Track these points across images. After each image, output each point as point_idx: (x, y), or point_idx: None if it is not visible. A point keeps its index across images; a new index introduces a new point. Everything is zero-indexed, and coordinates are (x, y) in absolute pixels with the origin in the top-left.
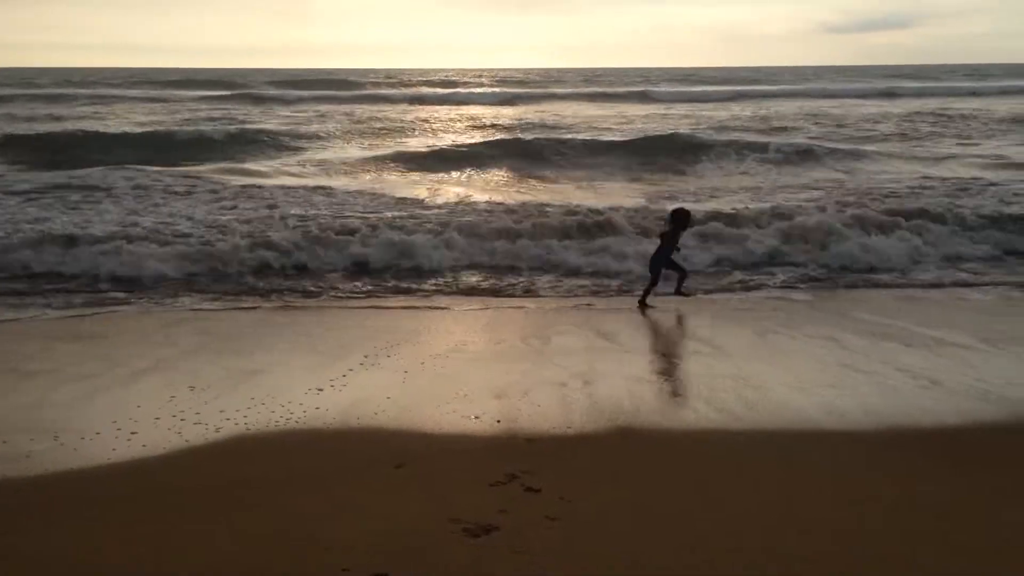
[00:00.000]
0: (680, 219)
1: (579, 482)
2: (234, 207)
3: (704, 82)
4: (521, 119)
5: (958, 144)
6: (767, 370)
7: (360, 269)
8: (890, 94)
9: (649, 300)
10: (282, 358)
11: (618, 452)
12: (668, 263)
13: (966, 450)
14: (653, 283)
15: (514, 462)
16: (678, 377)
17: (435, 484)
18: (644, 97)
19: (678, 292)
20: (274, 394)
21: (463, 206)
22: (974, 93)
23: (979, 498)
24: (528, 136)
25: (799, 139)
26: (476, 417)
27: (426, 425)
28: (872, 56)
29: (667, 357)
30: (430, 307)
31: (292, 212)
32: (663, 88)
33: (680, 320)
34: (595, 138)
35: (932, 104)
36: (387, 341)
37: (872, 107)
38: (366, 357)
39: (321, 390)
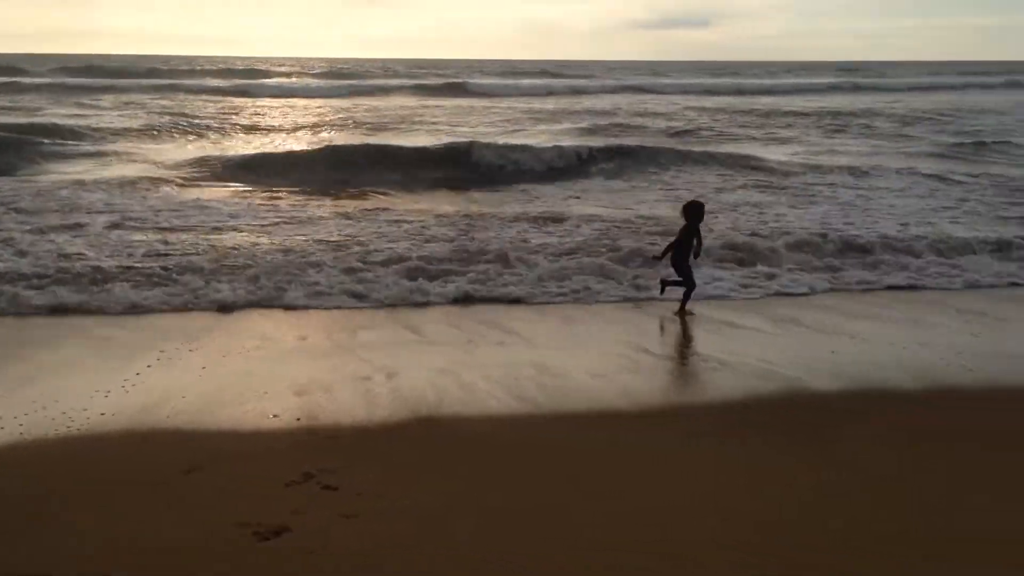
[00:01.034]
0: (695, 213)
1: (379, 477)
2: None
3: (525, 75)
4: (339, 117)
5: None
6: (568, 358)
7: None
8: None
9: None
10: (68, 360)
11: (420, 444)
12: (683, 266)
13: (751, 420)
14: (687, 284)
15: (313, 460)
16: (482, 368)
17: (226, 488)
18: (461, 90)
19: (682, 309)
20: (57, 398)
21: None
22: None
23: (761, 460)
24: (342, 140)
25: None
26: (275, 415)
27: (222, 426)
28: (675, 52)
29: (472, 349)
30: None
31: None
32: (488, 80)
33: (491, 314)
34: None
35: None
36: (184, 340)
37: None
38: (160, 357)
39: (109, 393)
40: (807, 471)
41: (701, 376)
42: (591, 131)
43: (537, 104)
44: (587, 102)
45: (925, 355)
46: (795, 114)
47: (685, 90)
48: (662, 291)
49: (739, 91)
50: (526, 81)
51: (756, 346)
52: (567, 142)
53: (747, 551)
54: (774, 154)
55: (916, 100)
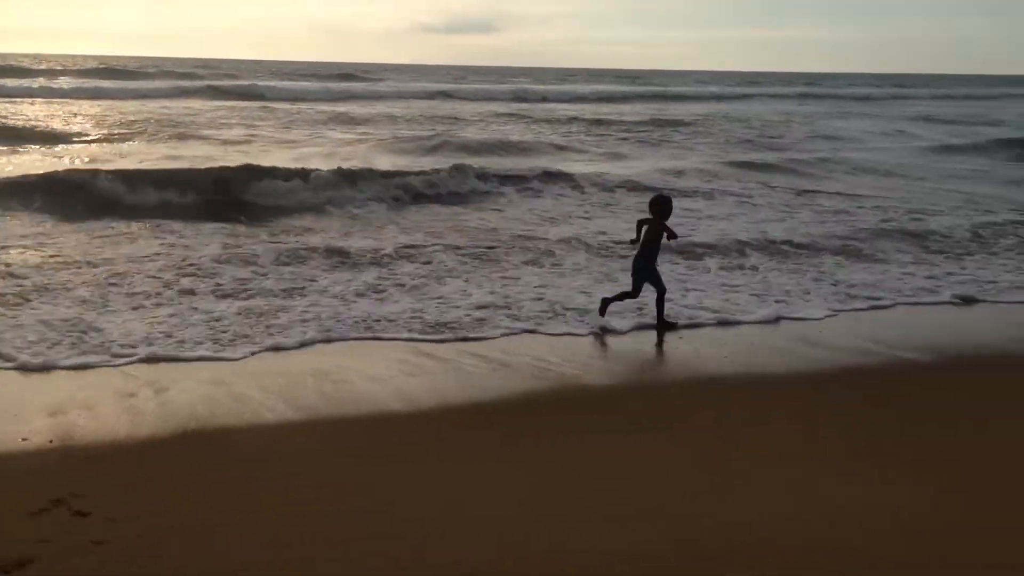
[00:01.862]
0: (663, 208)
1: (137, 499)
2: None
3: (314, 77)
4: (93, 124)
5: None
6: (347, 363)
7: None
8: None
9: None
10: None
11: (186, 461)
12: (648, 271)
13: (526, 420)
14: (633, 294)
15: (66, 485)
16: (257, 377)
17: None
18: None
19: (661, 322)
20: None
21: None
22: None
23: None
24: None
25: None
26: (24, 439)
27: None
28: (464, 57)
29: (247, 359)
30: None
31: None
32: (277, 83)
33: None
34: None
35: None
36: None
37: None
38: None
39: None
40: (561, 474)
41: (481, 376)
42: (400, 146)
43: (341, 108)
44: (382, 107)
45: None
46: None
47: (489, 96)
48: (664, 329)
49: (544, 98)
50: (316, 84)
51: (535, 346)
52: (379, 159)
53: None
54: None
55: (712, 108)
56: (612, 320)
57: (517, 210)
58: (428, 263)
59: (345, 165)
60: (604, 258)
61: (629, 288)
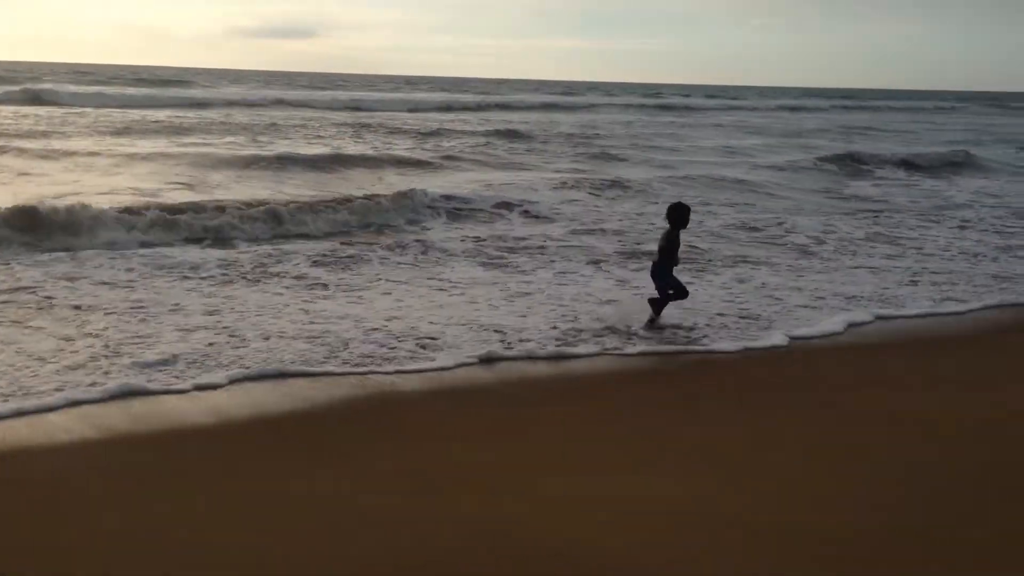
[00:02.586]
0: (680, 216)
1: None
2: None
3: (123, 82)
4: None
5: None
6: None
7: None
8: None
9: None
10: None
11: None
12: (665, 280)
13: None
14: (663, 300)
15: None
16: None
17: None
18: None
19: (657, 304)
20: None
21: None
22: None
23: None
24: None
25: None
26: None
27: None
28: (284, 62)
29: None
30: None
31: None
32: (80, 89)
33: None
34: None
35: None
36: None
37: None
38: None
39: None
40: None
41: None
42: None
43: (150, 114)
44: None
45: None
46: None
47: (311, 103)
48: (652, 323)
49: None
50: (130, 90)
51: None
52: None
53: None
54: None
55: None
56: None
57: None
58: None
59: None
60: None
61: (660, 296)
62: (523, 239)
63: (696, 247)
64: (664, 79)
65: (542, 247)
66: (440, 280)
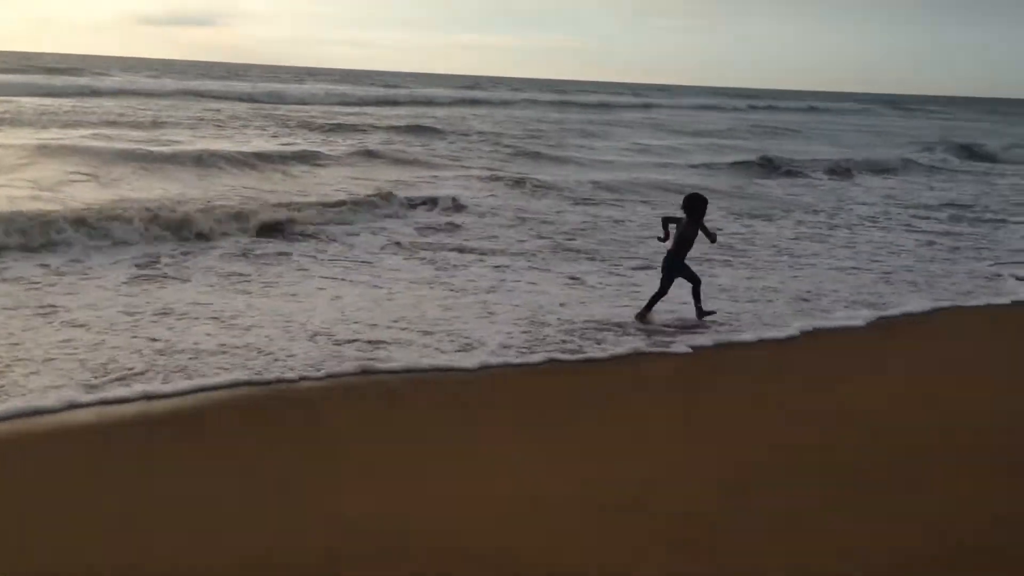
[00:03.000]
0: (698, 207)
1: None
2: None
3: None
4: None
5: None
6: None
7: None
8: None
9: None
10: None
11: None
12: (681, 268)
13: None
14: (662, 292)
15: None
16: None
17: None
18: None
19: (699, 310)
20: None
21: None
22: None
23: None
24: None
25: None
26: None
27: None
28: (182, 51)
29: None
30: None
31: None
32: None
33: None
34: None
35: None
36: None
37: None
38: None
39: None
40: None
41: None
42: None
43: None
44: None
45: None
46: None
47: (196, 91)
48: (703, 316)
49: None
50: (19, 78)
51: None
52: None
53: None
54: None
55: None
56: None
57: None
58: None
59: None
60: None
61: (657, 290)
62: (453, 237)
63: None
64: (570, 75)
65: (464, 245)
66: (376, 279)
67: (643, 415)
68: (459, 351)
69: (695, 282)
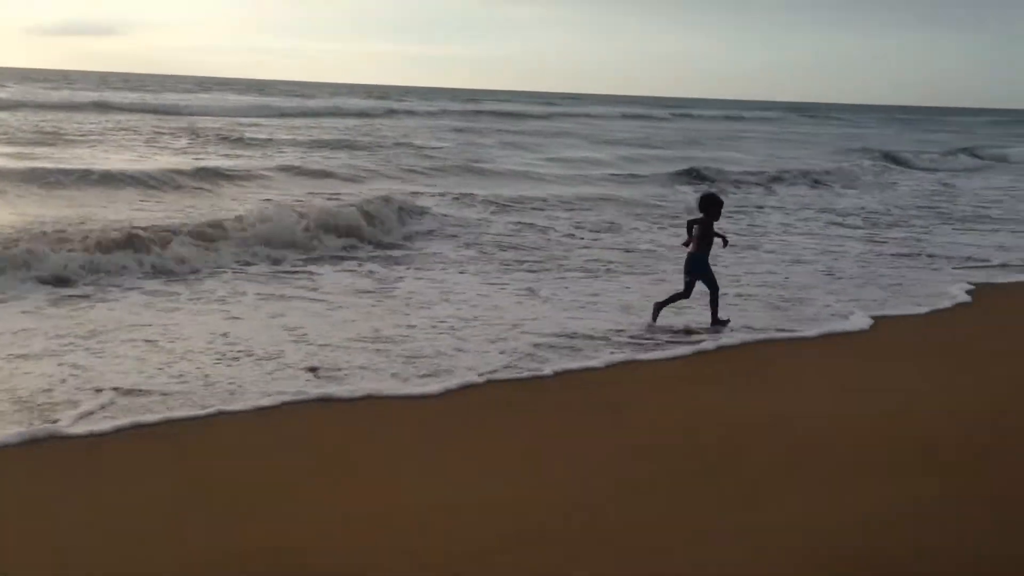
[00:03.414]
0: (714, 207)
1: None
2: None
3: None
4: None
5: None
6: None
7: None
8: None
9: None
10: None
11: None
12: (705, 270)
13: None
14: (685, 295)
15: None
16: None
17: None
18: None
19: (715, 320)
20: None
21: None
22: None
23: None
24: None
25: None
26: None
27: None
28: (82, 61)
29: None
30: None
31: None
32: None
33: None
34: None
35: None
36: None
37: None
38: None
39: None
40: None
41: None
42: None
43: None
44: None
45: None
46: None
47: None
48: (716, 324)
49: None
50: None
51: None
52: None
53: None
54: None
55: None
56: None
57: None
58: None
59: None
60: None
61: (680, 289)
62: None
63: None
64: (480, 85)
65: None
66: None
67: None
68: (427, 375)
69: (714, 289)
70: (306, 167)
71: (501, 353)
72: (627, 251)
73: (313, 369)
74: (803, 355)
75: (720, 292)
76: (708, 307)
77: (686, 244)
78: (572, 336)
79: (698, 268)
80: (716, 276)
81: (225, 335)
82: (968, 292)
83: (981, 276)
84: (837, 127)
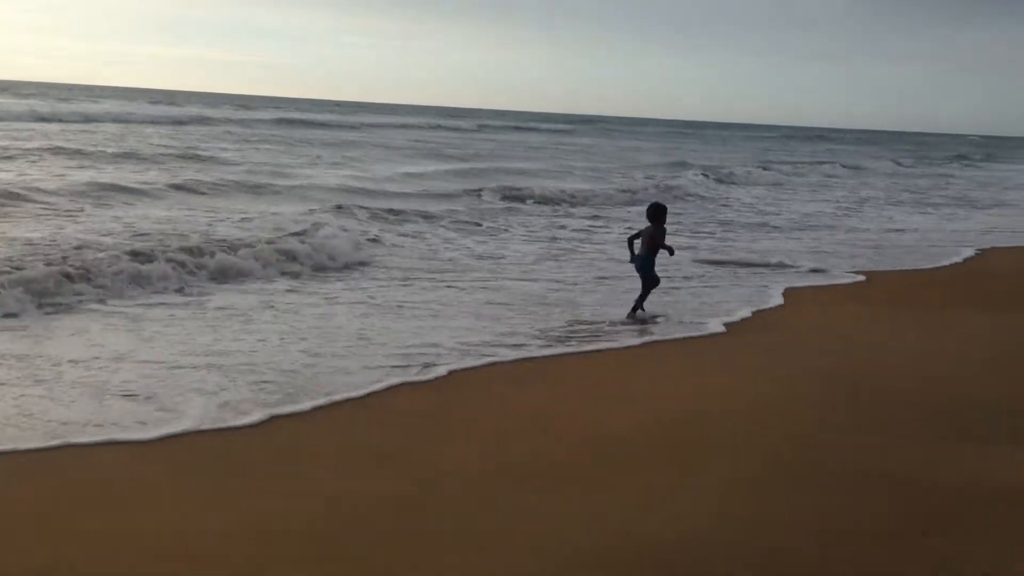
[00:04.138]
0: (660, 213)
1: None
2: None
3: None
4: None
5: None
6: None
7: None
8: None
9: None
10: None
11: None
12: (651, 267)
13: None
14: (650, 287)
15: None
16: None
17: None
18: None
19: (633, 312)
20: None
21: None
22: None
23: None
24: None
25: None
26: None
27: None
28: None
29: None
30: None
31: None
32: None
33: None
34: None
35: None
36: None
37: None
38: None
39: None
40: None
41: None
42: None
43: None
44: None
45: None
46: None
47: None
48: (633, 316)
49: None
50: None
51: None
52: None
53: None
54: None
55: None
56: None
57: None
58: None
59: None
60: None
61: (642, 291)
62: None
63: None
64: (259, 91)
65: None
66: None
67: None
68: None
69: (647, 287)
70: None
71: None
72: None
73: None
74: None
75: (654, 290)
76: None
77: (631, 261)
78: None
79: (649, 269)
80: (657, 277)
81: None
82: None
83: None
84: (645, 140)
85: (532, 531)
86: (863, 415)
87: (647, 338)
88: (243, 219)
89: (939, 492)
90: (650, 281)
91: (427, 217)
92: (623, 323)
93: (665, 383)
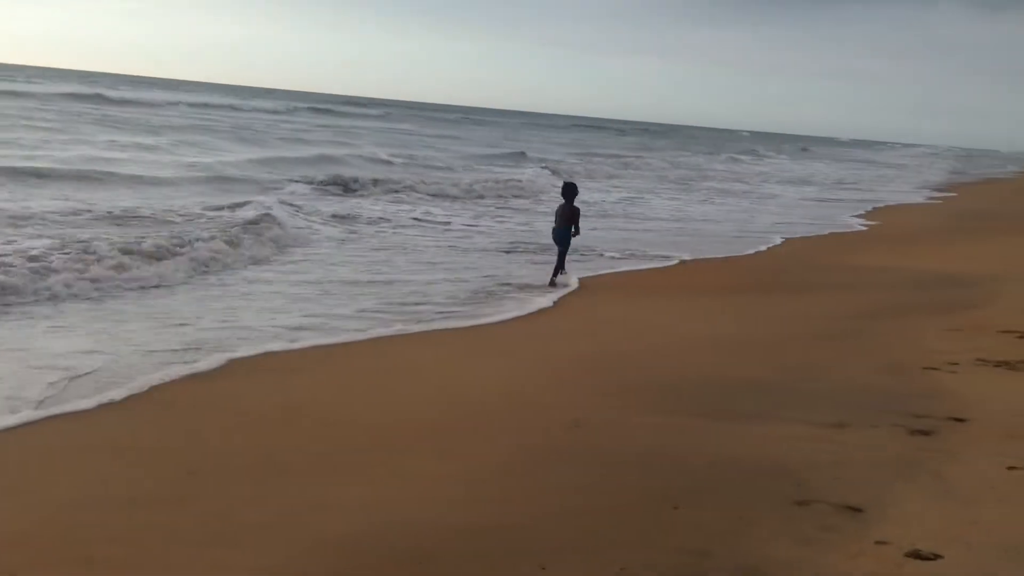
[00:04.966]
0: (571, 190)
1: None
2: None
3: None
4: None
5: None
6: None
7: None
8: None
9: None
10: None
11: None
12: (565, 237)
13: None
14: (560, 262)
15: None
16: None
17: None
18: None
19: (556, 270)
20: None
21: None
22: None
23: None
24: None
25: None
26: None
27: None
28: None
29: None
30: None
31: None
32: None
33: None
34: None
35: None
36: None
37: None
38: None
39: None
40: None
41: None
42: None
43: None
44: None
45: None
46: None
47: None
48: (554, 280)
49: None
50: None
51: None
52: None
53: None
54: None
55: None
56: None
57: None
58: None
59: None
60: None
61: (558, 260)
62: None
63: None
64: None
65: None
66: None
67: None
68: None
69: (562, 256)
70: None
71: None
72: None
73: None
74: None
75: (567, 256)
76: None
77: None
78: None
79: (565, 241)
80: (570, 248)
81: None
82: None
83: None
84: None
85: (290, 523)
86: (628, 398)
87: (423, 326)
88: None
89: (690, 469)
90: (565, 249)
91: None
92: (547, 288)
93: (442, 369)
